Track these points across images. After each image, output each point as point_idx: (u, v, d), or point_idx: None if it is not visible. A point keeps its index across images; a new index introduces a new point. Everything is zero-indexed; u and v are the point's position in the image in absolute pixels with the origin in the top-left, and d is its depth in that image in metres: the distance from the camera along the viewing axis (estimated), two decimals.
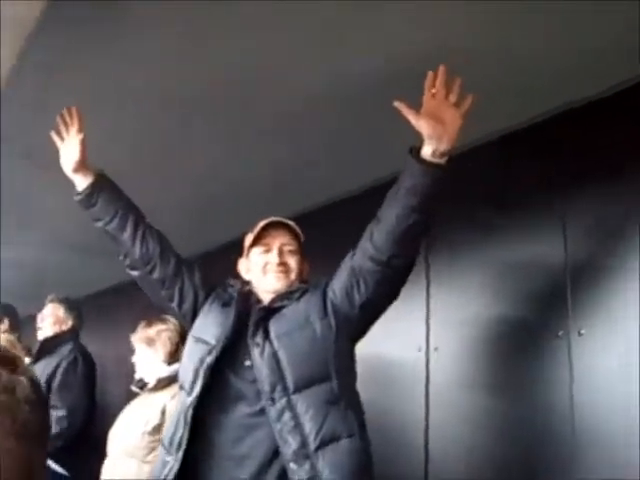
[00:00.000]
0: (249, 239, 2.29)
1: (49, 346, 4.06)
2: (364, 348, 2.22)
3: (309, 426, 1.95)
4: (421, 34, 2.15)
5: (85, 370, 4.01)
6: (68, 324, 4.20)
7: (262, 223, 2.25)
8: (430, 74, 1.85)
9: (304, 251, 2.30)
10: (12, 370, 0.83)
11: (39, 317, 4.20)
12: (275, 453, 1.96)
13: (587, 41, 2.16)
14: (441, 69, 1.83)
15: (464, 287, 2.87)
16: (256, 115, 2.80)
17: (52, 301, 4.22)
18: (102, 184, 2.30)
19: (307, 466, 1.91)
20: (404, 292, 2.11)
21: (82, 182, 2.30)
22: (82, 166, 2.29)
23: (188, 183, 3.64)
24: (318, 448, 1.93)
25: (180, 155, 3.28)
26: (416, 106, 1.86)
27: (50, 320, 4.15)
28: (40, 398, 0.84)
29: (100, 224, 2.29)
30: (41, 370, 3.88)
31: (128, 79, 2.54)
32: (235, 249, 2.42)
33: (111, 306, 5.79)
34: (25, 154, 2.84)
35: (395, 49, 2.25)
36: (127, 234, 2.25)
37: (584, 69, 2.32)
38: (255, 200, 3.50)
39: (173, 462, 2.02)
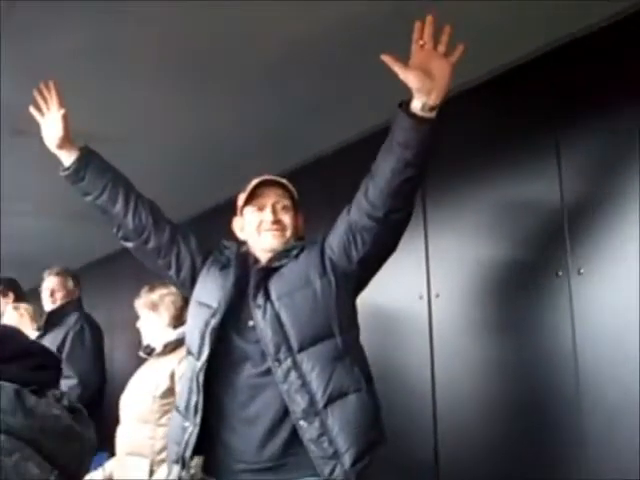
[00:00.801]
0: (242, 198, 2.27)
1: (56, 318, 4.09)
2: (366, 299, 2.23)
3: (316, 384, 1.96)
4: None
5: (93, 338, 4.06)
6: (75, 294, 4.24)
7: (254, 182, 2.23)
8: (418, 25, 1.80)
9: (300, 205, 2.29)
10: None
11: (48, 290, 4.22)
12: (285, 412, 1.99)
13: None
14: (429, 19, 1.78)
15: (462, 231, 2.86)
16: (248, 68, 2.77)
17: (58, 274, 4.25)
18: (88, 158, 2.27)
19: (317, 423, 1.94)
20: (403, 240, 2.11)
21: (67, 158, 2.27)
22: (66, 141, 2.26)
23: (181, 143, 3.61)
24: (327, 405, 1.95)
25: (171, 114, 3.25)
26: (406, 54, 1.82)
27: (61, 293, 4.19)
28: None
29: (90, 198, 2.27)
30: (49, 342, 3.91)
31: (116, 40, 2.51)
32: (230, 208, 2.42)
33: (111, 273, 5.80)
34: (16, 128, 2.82)
35: None
36: (119, 206, 2.23)
37: (576, 3, 2.27)
38: (251, 155, 3.48)
39: (192, 427, 2.05)
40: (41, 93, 2.28)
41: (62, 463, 0.84)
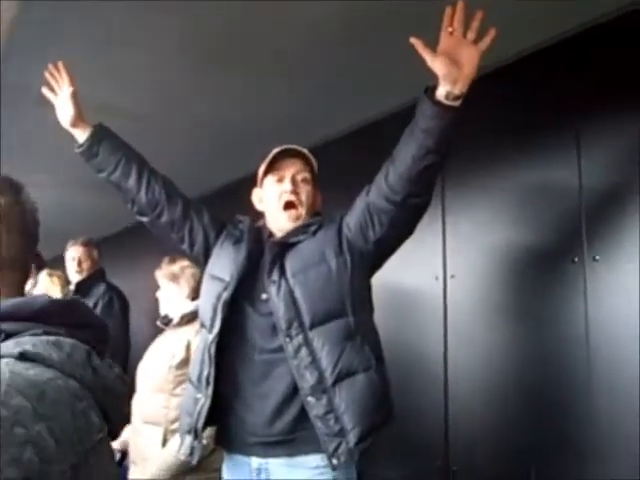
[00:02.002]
0: (262, 168, 2.28)
1: (84, 288, 4.16)
2: (381, 278, 2.24)
3: (326, 361, 1.98)
4: None
5: (120, 308, 4.13)
6: (98, 265, 4.32)
7: (275, 151, 2.23)
8: (448, 11, 1.77)
9: (319, 181, 2.30)
10: None
11: (74, 260, 4.29)
12: (296, 388, 2.01)
13: None
14: (459, 5, 1.75)
15: (479, 214, 2.86)
16: (264, 51, 2.77)
17: (84, 244, 4.32)
18: (102, 135, 2.31)
19: (324, 400, 1.96)
20: (420, 221, 2.11)
21: (81, 135, 2.32)
22: (79, 119, 2.31)
23: (198, 122, 3.63)
24: (335, 383, 1.97)
25: (193, 92, 3.27)
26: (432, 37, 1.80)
27: (88, 263, 4.26)
28: None
29: (104, 174, 2.31)
30: None
31: (139, 20, 2.54)
32: (244, 187, 2.44)
33: (132, 245, 5.85)
34: (38, 98, 2.86)
35: None
36: (132, 181, 2.27)
37: None
38: (270, 134, 3.48)
39: (204, 399, 2.09)
40: (52, 74, 2.33)
41: (111, 421, 0.95)
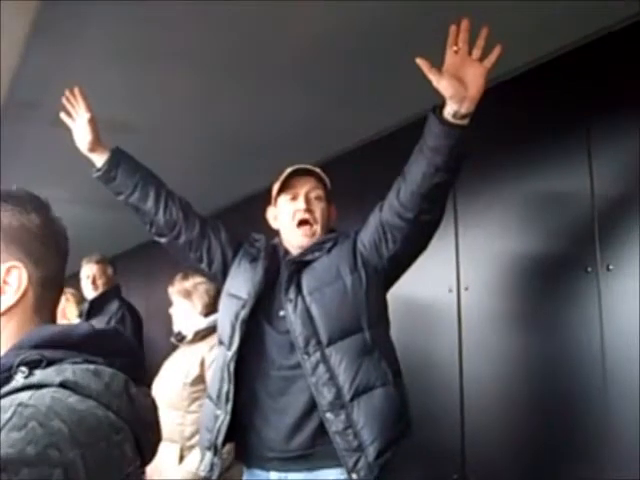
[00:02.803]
0: (276, 187, 2.30)
1: (98, 305, 4.17)
2: (395, 291, 2.25)
3: (343, 377, 1.99)
4: None
5: (133, 326, 4.14)
6: (114, 282, 4.33)
7: (288, 170, 2.25)
8: (453, 29, 1.77)
9: (332, 197, 2.31)
10: None
11: (89, 278, 4.30)
12: (314, 404, 2.02)
13: None
14: (464, 25, 1.75)
15: (492, 225, 2.86)
16: (280, 61, 2.78)
17: (98, 261, 4.33)
18: (119, 158, 2.33)
19: (343, 416, 1.97)
20: (433, 236, 2.12)
21: (99, 159, 2.34)
22: (96, 144, 2.33)
23: (213, 134, 3.63)
24: (353, 398, 1.98)
25: (204, 107, 3.27)
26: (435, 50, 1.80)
27: (102, 280, 4.28)
28: None
29: (122, 197, 2.33)
30: None
31: (148, 35, 2.56)
32: (261, 200, 2.45)
33: (147, 261, 5.87)
34: (52, 117, 2.90)
35: None
36: (150, 203, 2.29)
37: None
38: (282, 147, 3.49)
39: (224, 415, 2.11)
40: (68, 100, 2.35)
41: (143, 453, 0.94)
